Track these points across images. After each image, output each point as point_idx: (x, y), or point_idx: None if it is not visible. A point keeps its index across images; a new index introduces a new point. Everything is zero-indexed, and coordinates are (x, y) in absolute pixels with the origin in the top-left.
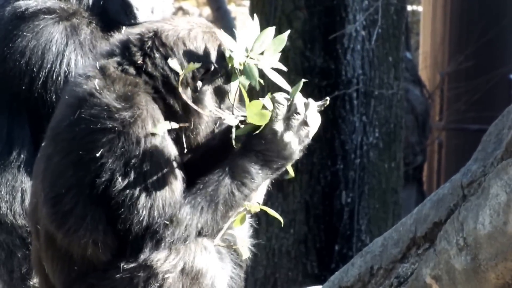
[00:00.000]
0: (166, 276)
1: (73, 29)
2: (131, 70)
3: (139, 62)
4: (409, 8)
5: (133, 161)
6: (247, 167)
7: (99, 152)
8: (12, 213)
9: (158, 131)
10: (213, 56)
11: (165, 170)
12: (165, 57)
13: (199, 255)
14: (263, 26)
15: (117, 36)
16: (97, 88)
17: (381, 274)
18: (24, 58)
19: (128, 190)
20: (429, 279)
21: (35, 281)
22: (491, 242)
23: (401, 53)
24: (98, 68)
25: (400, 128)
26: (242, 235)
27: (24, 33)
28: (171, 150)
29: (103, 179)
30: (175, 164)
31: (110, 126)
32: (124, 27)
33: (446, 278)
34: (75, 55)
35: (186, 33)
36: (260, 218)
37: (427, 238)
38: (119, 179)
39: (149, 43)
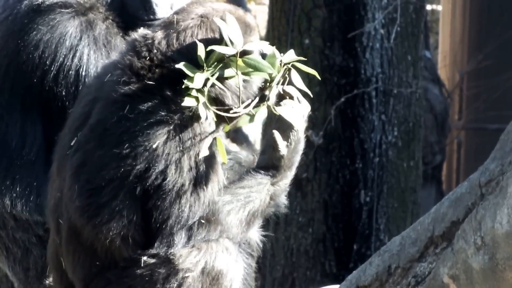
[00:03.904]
0: (186, 275)
1: (88, 24)
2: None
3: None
4: (429, 7)
5: (187, 155)
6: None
7: (156, 143)
8: (28, 210)
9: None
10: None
11: (214, 166)
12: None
13: (220, 255)
14: (282, 25)
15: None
16: (150, 83)
17: (398, 273)
18: (37, 51)
19: (178, 183)
20: (447, 278)
21: (50, 279)
22: (509, 241)
23: (420, 52)
24: (131, 63)
25: (419, 127)
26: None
27: (39, 27)
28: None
29: (155, 170)
30: (220, 160)
31: (168, 118)
32: (141, 23)
33: (464, 278)
34: (88, 50)
35: (174, 37)
36: (278, 217)
37: (445, 237)
38: (172, 171)
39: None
